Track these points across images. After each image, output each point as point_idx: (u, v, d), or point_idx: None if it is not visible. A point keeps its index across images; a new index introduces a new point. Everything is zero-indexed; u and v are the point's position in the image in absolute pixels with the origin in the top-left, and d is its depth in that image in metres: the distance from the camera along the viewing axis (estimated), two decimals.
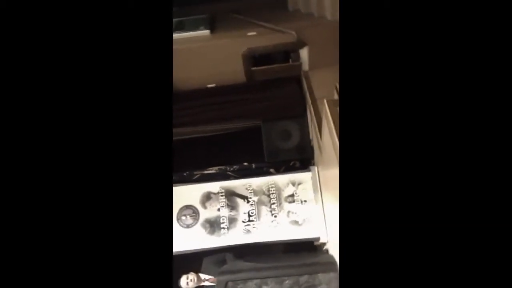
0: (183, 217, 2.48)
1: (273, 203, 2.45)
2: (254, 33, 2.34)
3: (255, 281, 2.16)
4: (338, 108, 1.36)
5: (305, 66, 2.50)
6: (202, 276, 2.40)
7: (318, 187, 2.40)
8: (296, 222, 2.42)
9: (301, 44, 2.37)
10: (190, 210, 2.49)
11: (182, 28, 2.37)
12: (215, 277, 2.26)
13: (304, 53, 2.45)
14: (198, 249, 2.42)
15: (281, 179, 2.48)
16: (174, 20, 2.42)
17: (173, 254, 2.41)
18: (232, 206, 2.46)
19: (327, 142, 1.72)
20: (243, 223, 2.43)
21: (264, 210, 2.45)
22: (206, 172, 2.58)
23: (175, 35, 2.28)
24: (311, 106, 2.32)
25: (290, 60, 2.51)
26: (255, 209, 2.45)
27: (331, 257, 2.12)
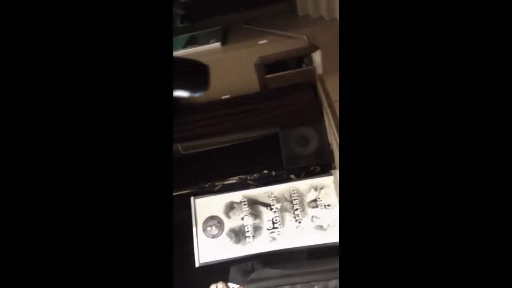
0: (208, 228, 2.51)
1: (297, 209, 2.44)
2: (265, 41, 2.35)
3: (285, 287, 2.16)
4: None
5: (319, 70, 2.49)
6: (231, 285, 2.42)
7: None
8: (321, 227, 2.40)
9: (313, 48, 2.36)
10: (215, 220, 2.52)
11: (194, 42, 2.42)
12: (244, 285, 2.27)
13: (317, 57, 2.44)
14: (225, 259, 2.44)
15: (303, 185, 2.47)
16: (186, 35, 2.48)
17: (200, 265, 2.45)
18: (256, 215, 2.47)
19: None
20: (267, 230, 2.44)
21: (288, 216, 2.44)
22: (227, 182, 2.60)
23: (188, 50, 2.33)
24: (328, 109, 2.30)
25: (304, 65, 2.51)
26: (278, 216, 2.45)
27: None
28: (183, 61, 0.70)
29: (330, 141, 2.52)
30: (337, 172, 2.43)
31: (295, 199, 2.46)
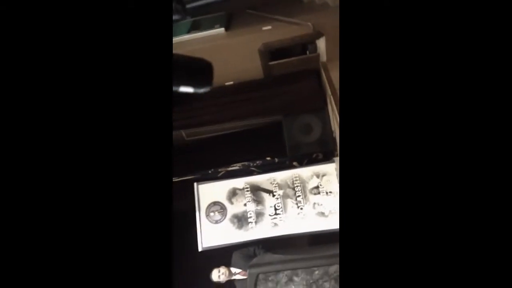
0: (212, 213, 2.54)
1: (299, 196, 2.46)
2: (269, 27, 2.33)
3: (286, 272, 2.20)
4: None
5: (323, 57, 2.47)
6: (233, 269, 2.47)
7: None
8: (322, 214, 2.43)
9: (317, 35, 2.34)
10: (218, 206, 2.55)
11: (198, 27, 2.40)
12: (245, 270, 2.31)
13: (321, 44, 2.42)
14: (227, 244, 2.48)
15: (305, 172, 2.49)
16: (189, 20, 2.46)
17: (203, 249, 2.49)
18: (258, 201, 2.50)
19: None
20: (270, 216, 2.47)
21: (290, 203, 2.47)
22: (230, 169, 2.62)
23: (191, 36, 2.32)
24: (332, 97, 2.30)
25: (308, 52, 2.49)
26: (280, 203, 2.47)
27: None
28: (187, 58, 0.71)
29: (333, 129, 2.52)
30: (339, 160, 2.44)
31: (297, 186, 2.48)
